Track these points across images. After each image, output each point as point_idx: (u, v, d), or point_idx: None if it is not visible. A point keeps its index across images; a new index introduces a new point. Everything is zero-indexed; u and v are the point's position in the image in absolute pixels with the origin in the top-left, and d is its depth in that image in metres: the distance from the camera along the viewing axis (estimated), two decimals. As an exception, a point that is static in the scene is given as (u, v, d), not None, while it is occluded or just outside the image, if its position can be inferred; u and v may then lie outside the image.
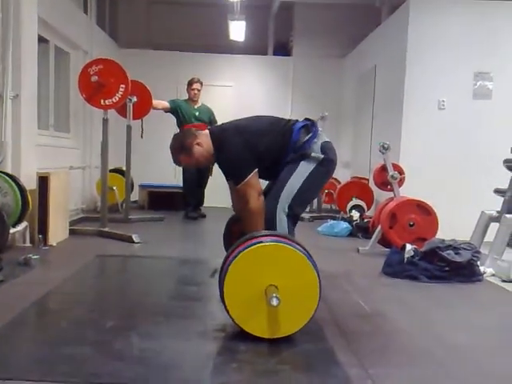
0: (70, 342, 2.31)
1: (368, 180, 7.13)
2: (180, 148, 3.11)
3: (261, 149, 2.99)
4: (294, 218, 2.98)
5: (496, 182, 4.64)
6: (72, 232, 5.16)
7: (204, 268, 4.05)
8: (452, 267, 3.82)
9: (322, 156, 2.98)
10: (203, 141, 3.07)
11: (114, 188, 6.92)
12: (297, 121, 3.12)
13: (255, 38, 9.06)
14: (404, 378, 2.10)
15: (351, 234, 5.91)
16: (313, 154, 2.96)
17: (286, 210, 2.91)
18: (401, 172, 5.08)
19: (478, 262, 3.95)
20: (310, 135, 3.00)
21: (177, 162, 3.19)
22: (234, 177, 2.99)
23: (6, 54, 4.31)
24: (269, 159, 3.03)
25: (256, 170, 2.96)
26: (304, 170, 2.95)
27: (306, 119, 3.14)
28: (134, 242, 4.91)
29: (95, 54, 6.75)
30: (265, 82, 9.13)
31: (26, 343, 2.39)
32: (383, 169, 5.04)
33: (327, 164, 3.03)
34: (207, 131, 3.15)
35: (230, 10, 7.60)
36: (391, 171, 4.91)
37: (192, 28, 9.10)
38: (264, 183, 3.16)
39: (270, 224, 2.90)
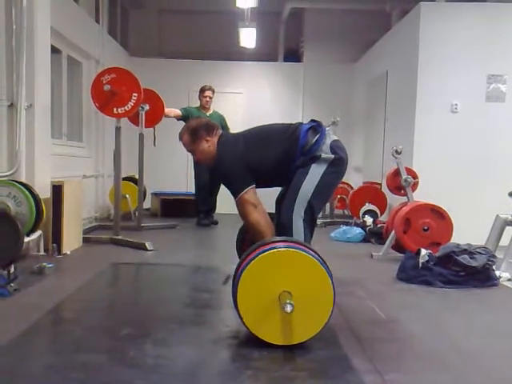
0: (85, 349, 2.31)
1: (381, 185, 7.09)
2: (193, 130, 3.13)
3: (267, 160, 2.98)
4: (310, 222, 2.96)
5: (510, 184, 4.60)
6: (86, 240, 5.19)
7: (217, 275, 4.04)
8: (467, 272, 3.78)
9: (333, 156, 2.95)
10: (213, 143, 3.10)
11: (127, 196, 6.95)
12: (301, 123, 3.10)
13: (265, 45, 9.09)
14: (420, 384, 2.08)
15: (364, 240, 5.88)
16: (323, 156, 2.94)
17: (302, 215, 2.90)
18: (414, 176, 5.05)
19: (494, 267, 3.90)
20: (317, 136, 2.97)
21: (180, 136, 3.20)
22: (230, 190, 3.00)
23: (20, 64, 4.35)
24: (279, 167, 3.01)
25: (253, 185, 2.95)
26: (316, 172, 2.93)
27: (312, 120, 3.12)
28: (147, 249, 4.92)
29: (107, 63, 6.81)
30: (276, 89, 9.15)
31: (40, 351, 2.40)
32: (396, 173, 5.01)
33: (338, 163, 2.99)
34: (219, 133, 3.15)
35: (240, 17, 7.63)
36: (404, 175, 4.88)
37: (202, 36, 9.14)
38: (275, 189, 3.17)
39: (287, 231, 2.89)
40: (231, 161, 2.98)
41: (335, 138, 3.06)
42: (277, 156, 3.00)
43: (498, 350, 2.51)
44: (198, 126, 3.13)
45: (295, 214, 2.90)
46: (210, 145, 3.10)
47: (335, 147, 2.99)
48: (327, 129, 3.07)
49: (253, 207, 2.92)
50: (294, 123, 3.12)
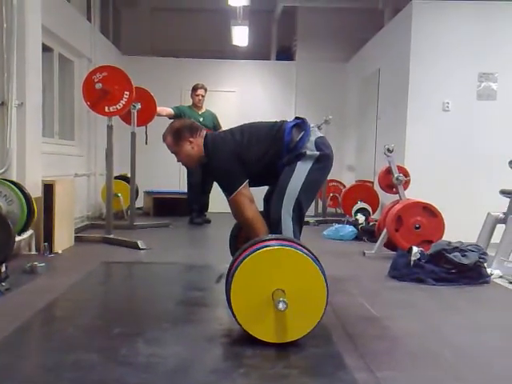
0: (77, 348, 2.30)
1: (373, 183, 7.12)
2: (176, 131, 3.10)
3: (254, 158, 2.97)
4: (299, 219, 2.95)
5: (501, 182, 4.62)
6: (77, 239, 5.17)
7: (210, 273, 4.04)
8: (459, 269, 3.79)
9: (318, 153, 2.95)
10: (197, 144, 3.07)
11: (119, 195, 6.93)
12: (285, 121, 3.09)
13: (258, 43, 9.08)
14: (412, 381, 2.09)
15: (357, 238, 5.89)
16: (308, 153, 2.93)
17: (291, 213, 2.90)
18: (406, 174, 5.07)
19: (485, 264, 3.92)
20: (302, 133, 2.97)
21: (163, 138, 3.16)
22: (226, 188, 2.99)
23: (11, 62, 4.32)
24: (266, 165, 3.00)
25: (247, 181, 2.95)
26: (302, 170, 2.92)
27: (297, 118, 3.12)
28: (139, 248, 4.90)
29: (99, 61, 6.77)
30: (268, 87, 9.14)
31: (32, 351, 2.39)
32: (388, 171, 5.02)
33: (324, 160, 2.99)
34: (204, 134, 3.13)
35: (232, 16, 7.62)
36: (396, 174, 4.89)
37: (195, 34, 9.13)
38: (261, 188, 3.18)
39: (276, 229, 2.89)
40: (224, 158, 2.97)
41: (320, 134, 3.06)
42: (263, 154, 2.98)
43: (490, 347, 2.53)
44: (182, 127, 3.11)
45: (284, 213, 2.89)
46: (193, 146, 3.07)
47: (320, 144, 2.98)
48: (312, 126, 3.06)
49: (249, 203, 2.92)
50: (278, 121, 3.11)
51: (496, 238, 4.41)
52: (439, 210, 4.60)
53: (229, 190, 2.96)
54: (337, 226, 6.17)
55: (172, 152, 3.17)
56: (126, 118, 6.15)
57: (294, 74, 9.14)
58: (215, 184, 7.00)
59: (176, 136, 3.09)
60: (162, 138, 3.17)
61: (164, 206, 7.81)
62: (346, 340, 2.52)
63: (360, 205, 6.92)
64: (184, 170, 7.20)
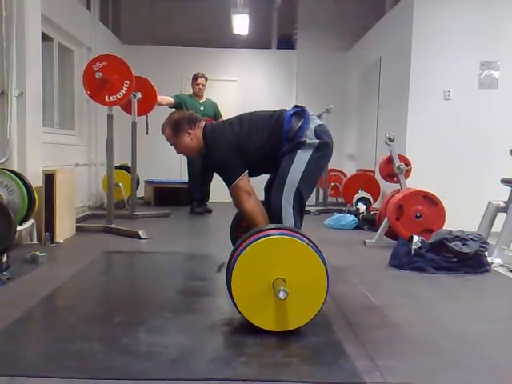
0: (78, 337, 2.31)
1: (374, 172, 7.11)
2: (174, 123, 3.10)
3: (254, 148, 2.96)
4: (300, 208, 2.95)
5: (503, 171, 4.62)
6: (79, 229, 5.18)
7: (211, 263, 4.05)
8: (459, 258, 3.80)
9: (318, 141, 2.94)
10: (195, 136, 3.07)
11: (120, 184, 6.93)
12: (284, 110, 3.08)
13: (259, 32, 9.03)
14: (412, 369, 2.09)
15: (358, 227, 5.89)
16: (308, 141, 2.93)
17: (292, 202, 2.90)
18: (407, 163, 5.06)
19: (486, 253, 3.93)
20: (301, 121, 2.96)
21: (162, 129, 3.16)
22: (225, 179, 3.00)
23: (11, 52, 4.31)
24: (266, 154, 3.00)
25: (246, 172, 2.95)
26: (302, 158, 2.92)
27: (296, 106, 3.11)
28: (140, 237, 4.91)
29: (98, 50, 6.75)
30: (269, 76, 9.11)
31: (34, 340, 2.40)
32: (389, 160, 5.02)
33: (324, 148, 2.98)
34: (203, 126, 3.12)
35: (233, 4, 7.57)
36: (397, 163, 4.88)
37: (195, 23, 9.08)
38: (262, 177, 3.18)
39: (277, 218, 2.90)
40: (222, 149, 2.96)
41: (319, 122, 3.06)
42: (262, 143, 2.98)
43: (490, 335, 2.53)
44: (180, 119, 3.11)
45: (284, 202, 2.90)
46: (192, 138, 3.07)
47: (320, 132, 2.98)
48: (311, 114, 3.06)
49: (247, 195, 2.93)
50: (277, 110, 3.10)
51: (497, 226, 4.41)
52: (440, 198, 4.60)
53: (228, 180, 2.96)
54: (338, 215, 6.16)
55: (171, 144, 3.17)
56: (127, 108, 6.14)
57: (294, 62, 9.10)
58: (216, 174, 7.01)
59: (175, 128, 3.09)
60: (161, 130, 3.16)
61: (165, 196, 7.82)
62: (347, 329, 2.53)
63: (361, 194, 6.91)
64: (185, 160, 7.19)
